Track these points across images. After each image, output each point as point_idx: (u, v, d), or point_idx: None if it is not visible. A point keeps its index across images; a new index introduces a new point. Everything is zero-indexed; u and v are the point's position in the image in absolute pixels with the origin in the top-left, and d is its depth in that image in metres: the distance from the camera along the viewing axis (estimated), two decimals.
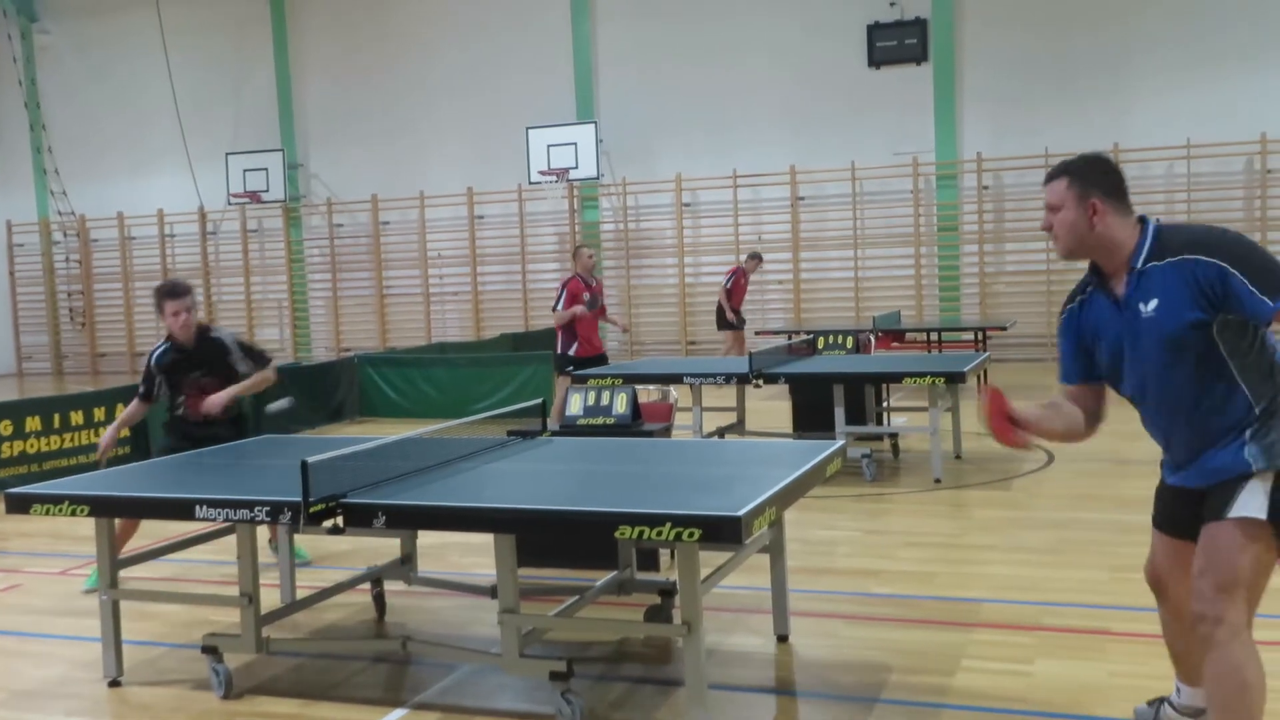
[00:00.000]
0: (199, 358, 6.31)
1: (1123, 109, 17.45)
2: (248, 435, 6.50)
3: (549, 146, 19.55)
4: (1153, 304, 3.19)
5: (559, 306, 10.65)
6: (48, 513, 4.50)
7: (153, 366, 6.35)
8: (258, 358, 6.47)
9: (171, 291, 6.22)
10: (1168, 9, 17.32)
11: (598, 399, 6.65)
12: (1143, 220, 3.31)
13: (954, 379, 8.49)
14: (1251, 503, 3.12)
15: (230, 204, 22.34)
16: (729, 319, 15.57)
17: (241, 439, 6.30)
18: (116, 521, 5.67)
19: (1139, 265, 3.24)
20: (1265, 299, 3.03)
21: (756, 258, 15.97)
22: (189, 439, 6.23)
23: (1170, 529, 3.46)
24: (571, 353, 10.67)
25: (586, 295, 10.68)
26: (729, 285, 15.58)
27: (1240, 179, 17.28)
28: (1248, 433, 3.16)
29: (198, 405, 6.27)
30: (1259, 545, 3.12)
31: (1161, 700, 3.81)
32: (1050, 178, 3.36)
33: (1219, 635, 3.10)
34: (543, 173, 19.68)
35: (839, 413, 8.59)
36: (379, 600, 5.57)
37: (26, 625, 5.79)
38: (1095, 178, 3.29)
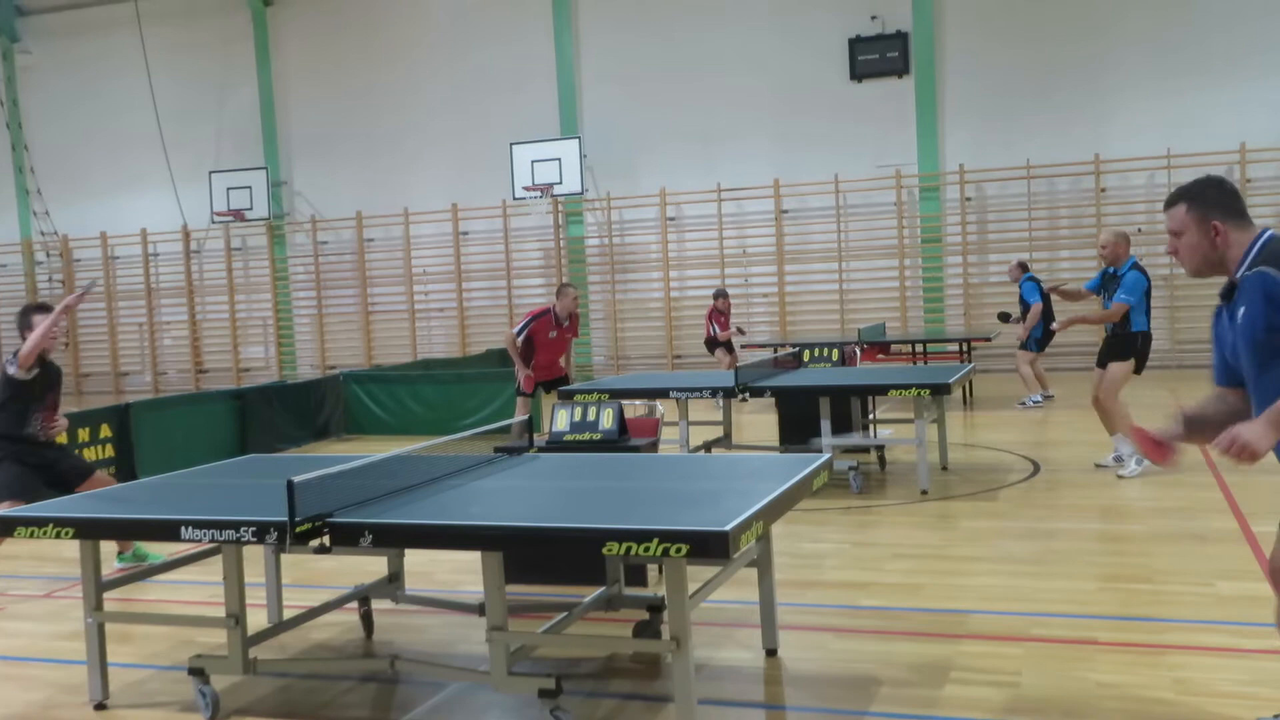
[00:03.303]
0: (55, 377, 6.72)
1: (1103, 120, 17.57)
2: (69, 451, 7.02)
3: (533, 162, 19.58)
4: (1240, 311, 3.32)
5: (519, 334, 10.54)
6: (32, 535, 4.48)
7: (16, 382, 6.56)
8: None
9: (47, 308, 6.65)
10: (1146, 21, 17.47)
11: (584, 415, 6.65)
12: (1262, 232, 3.41)
13: (939, 390, 8.53)
14: None
15: (214, 222, 22.29)
16: (721, 341, 15.51)
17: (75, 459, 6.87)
18: None
19: (1238, 275, 3.36)
20: None
21: (723, 295, 15.89)
22: (38, 461, 6.66)
23: None
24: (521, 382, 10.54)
25: (552, 333, 10.54)
26: (714, 325, 15.49)
27: None
28: None
29: (50, 424, 6.57)
30: None
31: None
32: (1170, 204, 3.50)
33: None
34: (527, 188, 19.70)
35: (825, 425, 8.61)
36: (366, 619, 5.55)
37: (11, 649, 5.75)
38: (1213, 199, 3.43)
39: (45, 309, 6.66)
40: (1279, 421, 3.14)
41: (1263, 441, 3.12)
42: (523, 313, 20.46)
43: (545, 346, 10.61)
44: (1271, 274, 3.22)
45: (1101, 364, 8.83)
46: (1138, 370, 8.70)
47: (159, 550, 6.97)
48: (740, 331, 15.84)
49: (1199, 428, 3.51)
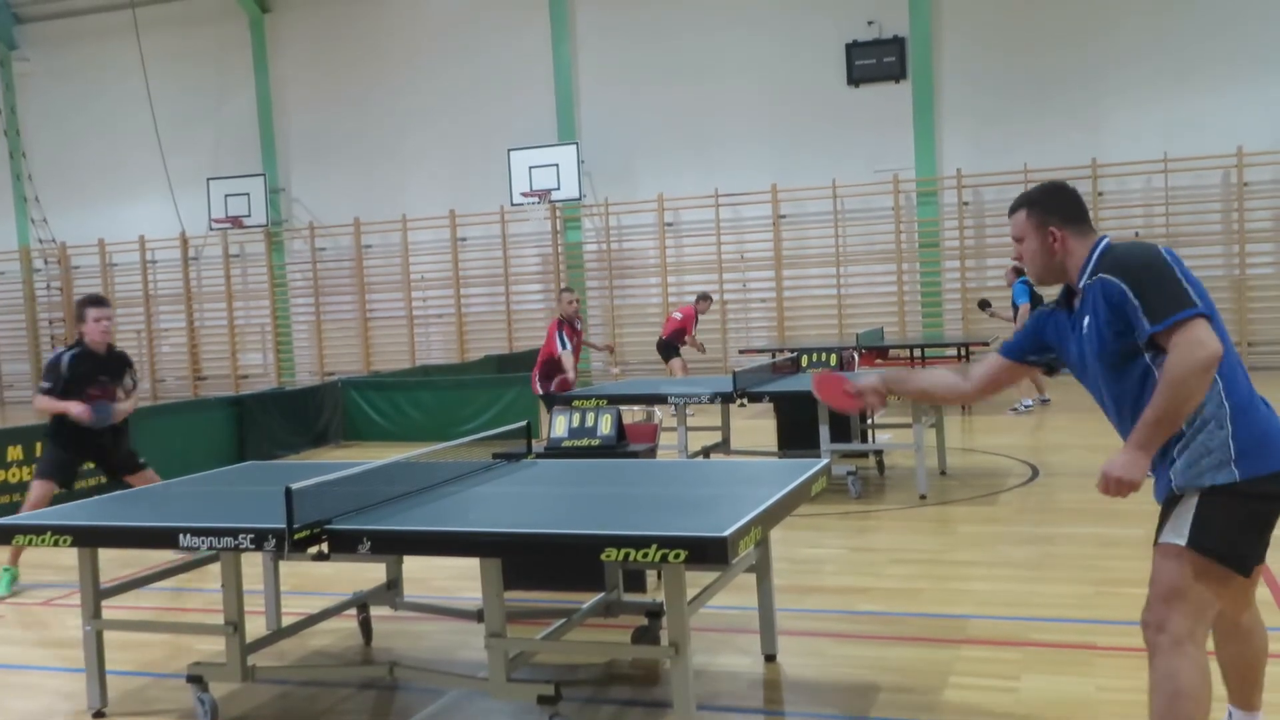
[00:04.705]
0: (106, 364, 6.88)
1: (1099, 124, 17.60)
2: (128, 442, 7.17)
3: (531, 168, 19.59)
4: (1086, 320, 3.29)
5: (564, 347, 10.80)
6: (30, 543, 4.48)
7: (63, 369, 6.77)
8: (135, 378, 7.19)
9: (99, 301, 6.86)
10: (1143, 25, 17.49)
11: (582, 421, 6.65)
12: (1100, 240, 3.37)
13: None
14: (1176, 527, 3.17)
15: (212, 229, 22.30)
16: (672, 344, 15.44)
17: (126, 445, 7.08)
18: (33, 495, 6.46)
19: (1079, 284, 3.34)
20: (1145, 320, 3.09)
21: (706, 299, 15.91)
22: (84, 445, 6.92)
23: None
24: (554, 389, 10.89)
25: (574, 338, 11.00)
26: (680, 319, 15.48)
27: (1217, 192, 17.42)
28: (1175, 449, 3.19)
29: (93, 409, 6.75)
30: (1189, 566, 3.14)
31: None
32: (1012, 210, 3.49)
33: (1160, 643, 3.15)
34: (525, 194, 19.71)
35: (824, 430, 8.60)
36: (365, 626, 5.55)
37: (9, 657, 5.74)
38: (1052, 205, 3.39)
39: (99, 302, 6.87)
40: (1146, 440, 3.11)
41: (1134, 470, 3.12)
42: (520, 319, 20.57)
43: (574, 351, 11.00)
44: (1110, 280, 3.18)
45: None
46: None
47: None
48: (702, 349, 15.72)
49: (908, 389, 3.93)
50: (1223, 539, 3.12)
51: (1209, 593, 3.15)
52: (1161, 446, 3.17)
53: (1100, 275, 3.23)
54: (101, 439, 6.97)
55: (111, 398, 6.90)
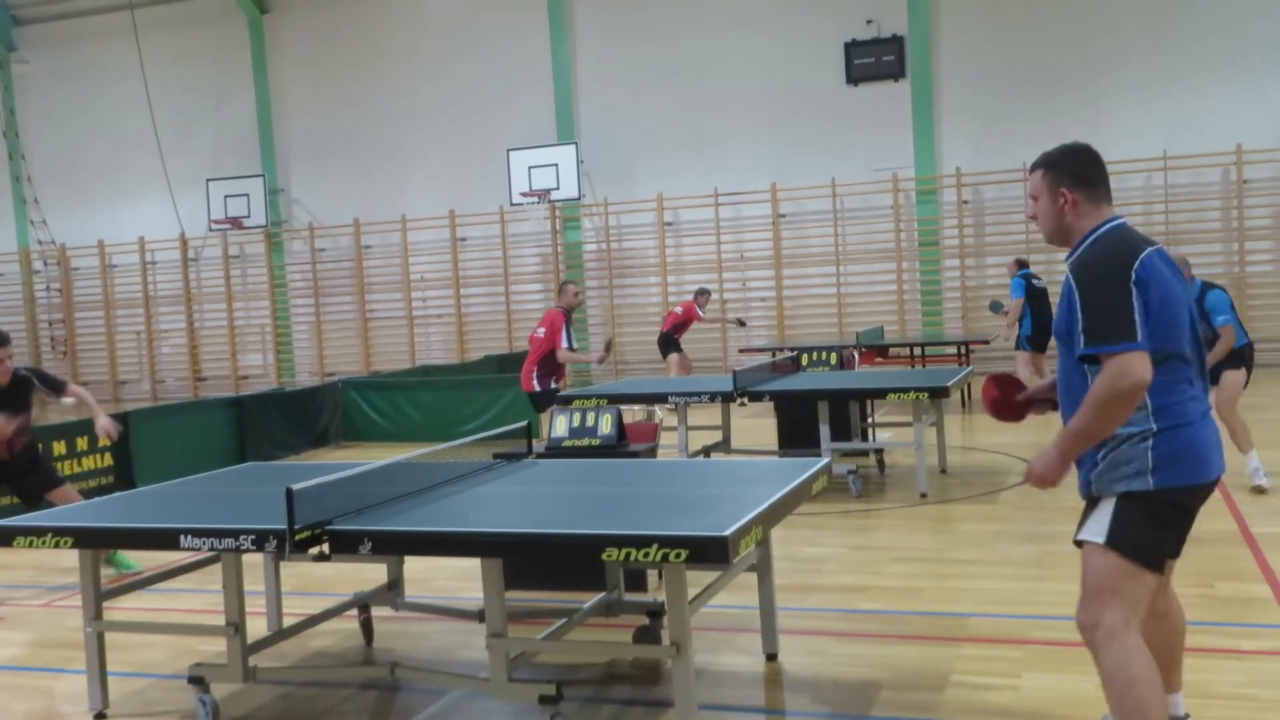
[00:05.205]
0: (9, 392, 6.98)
1: (1099, 122, 17.58)
2: (41, 463, 7.32)
3: (530, 168, 19.59)
4: (1060, 299, 3.39)
5: (571, 345, 10.25)
6: (31, 545, 4.47)
7: None
8: (55, 384, 7.34)
9: (3, 340, 6.91)
10: (1141, 23, 17.50)
11: (583, 420, 6.65)
12: (1111, 219, 3.42)
13: (938, 394, 8.53)
14: (1094, 525, 3.33)
15: (211, 230, 22.31)
16: (672, 338, 15.67)
17: (41, 465, 7.23)
18: None
19: (1068, 260, 3.43)
20: (1082, 338, 3.19)
21: (705, 293, 16.13)
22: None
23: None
24: (554, 387, 10.40)
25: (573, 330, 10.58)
26: (681, 313, 15.68)
27: (1217, 189, 17.42)
28: (1099, 451, 3.31)
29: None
30: (1111, 562, 3.28)
31: None
32: (1032, 168, 3.54)
33: (1098, 639, 3.28)
34: (524, 194, 19.71)
35: (824, 429, 8.61)
36: (366, 626, 5.55)
37: (11, 658, 5.74)
38: (1066, 167, 3.44)
39: (5, 341, 6.95)
40: (1068, 449, 3.28)
41: (1052, 472, 3.32)
42: (520, 319, 20.56)
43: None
44: (1072, 276, 3.28)
45: (1214, 378, 8.52)
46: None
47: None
48: (741, 322, 16.02)
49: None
50: (1137, 538, 3.26)
51: (1135, 587, 3.28)
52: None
53: (1072, 263, 3.34)
54: (10, 466, 7.10)
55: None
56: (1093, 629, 3.29)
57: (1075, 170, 3.42)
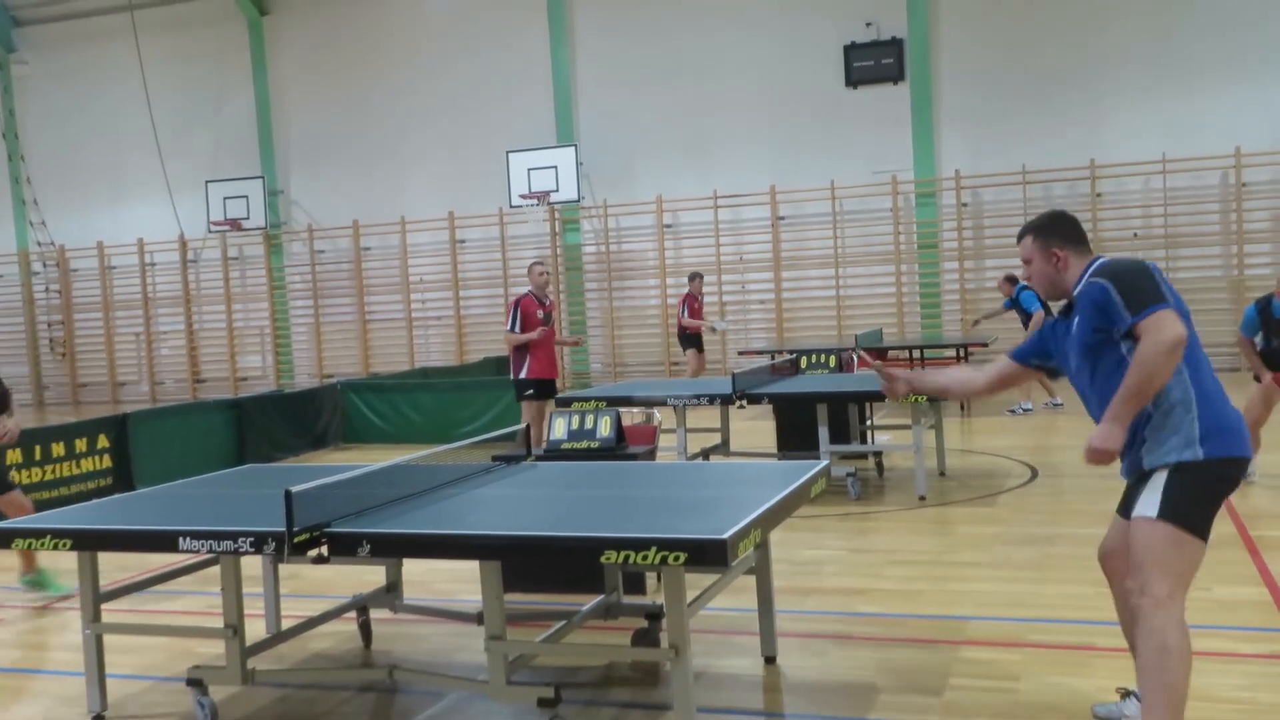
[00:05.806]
0: None
1: (1098, 125, 17.61)
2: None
3: (529, 170, 19.60)
4: (1075, 320, 3.74)
5: (516, 328, 10.43)
6: (29, 546, 4.47)
7: None
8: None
9: None
10: (1140, 26, 17.51)
11: (582, 423, 6.65)
12: (1097, 258, 3.81)
13: (937, 397, 8.51)
14: (1148, 501, 3.56)
15: (211, 232, 22.30)
16: (691, 333, 15.65)
17: None
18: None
19: (1074, 292, 3.79)
20: (1126, 313, 3.51)
21: (698, 276, 16.04)
22: None
23: (1123, 511, 3.82)
24: (524, 375, 10.51)
25: (540, 313, 10.55)
26: (684, 311, 15.64)
27: (1216, 192, 17.43)
28: (1144, 430, 3.59)
29: None
30: (1163, 535, 3.51)
31: (1130, 692, 4.03)
32: (1020, 237, 3.95)
33: (1144, 605, 3.49)
34: (524, 196, 19.71)
35: (823, 432, 8.60)
36: (365, 629, 5.54)
37: (9, 660, 5.74)
38: (1054, 230, 3.86)
39: None
40: (1121, 413, 3.50)
41: (1110, 440, 3.51)
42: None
43: (540, 341, 10.53)
44: (1095, 281, 3.62)
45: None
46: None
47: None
48: (712, 330, 15.95)
49: (927, 386, 4.36)
50: (1188, 507, 3.51)
51: (1182, 559, 3.51)
52: (1130, 429, 3.55)
53: (1089, 279, 3.69)
54: None
55: None
56: (1140, 594, 3.51)
57: (1062, 231, 3.84)
